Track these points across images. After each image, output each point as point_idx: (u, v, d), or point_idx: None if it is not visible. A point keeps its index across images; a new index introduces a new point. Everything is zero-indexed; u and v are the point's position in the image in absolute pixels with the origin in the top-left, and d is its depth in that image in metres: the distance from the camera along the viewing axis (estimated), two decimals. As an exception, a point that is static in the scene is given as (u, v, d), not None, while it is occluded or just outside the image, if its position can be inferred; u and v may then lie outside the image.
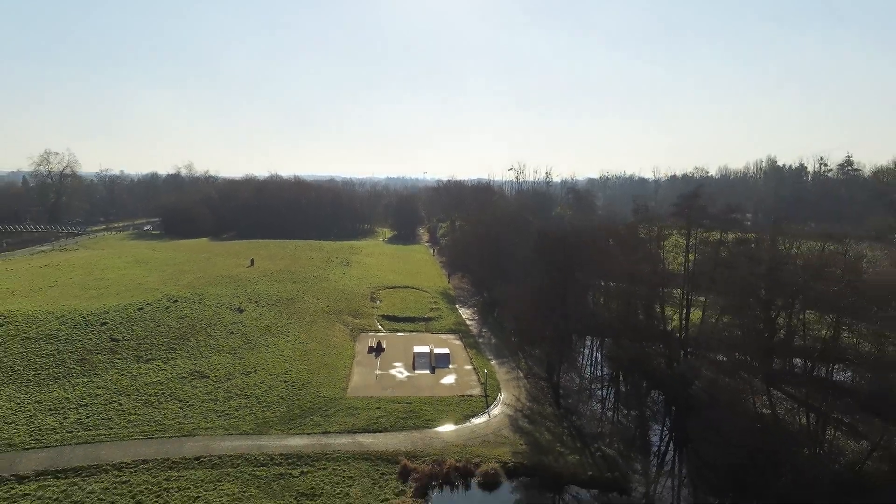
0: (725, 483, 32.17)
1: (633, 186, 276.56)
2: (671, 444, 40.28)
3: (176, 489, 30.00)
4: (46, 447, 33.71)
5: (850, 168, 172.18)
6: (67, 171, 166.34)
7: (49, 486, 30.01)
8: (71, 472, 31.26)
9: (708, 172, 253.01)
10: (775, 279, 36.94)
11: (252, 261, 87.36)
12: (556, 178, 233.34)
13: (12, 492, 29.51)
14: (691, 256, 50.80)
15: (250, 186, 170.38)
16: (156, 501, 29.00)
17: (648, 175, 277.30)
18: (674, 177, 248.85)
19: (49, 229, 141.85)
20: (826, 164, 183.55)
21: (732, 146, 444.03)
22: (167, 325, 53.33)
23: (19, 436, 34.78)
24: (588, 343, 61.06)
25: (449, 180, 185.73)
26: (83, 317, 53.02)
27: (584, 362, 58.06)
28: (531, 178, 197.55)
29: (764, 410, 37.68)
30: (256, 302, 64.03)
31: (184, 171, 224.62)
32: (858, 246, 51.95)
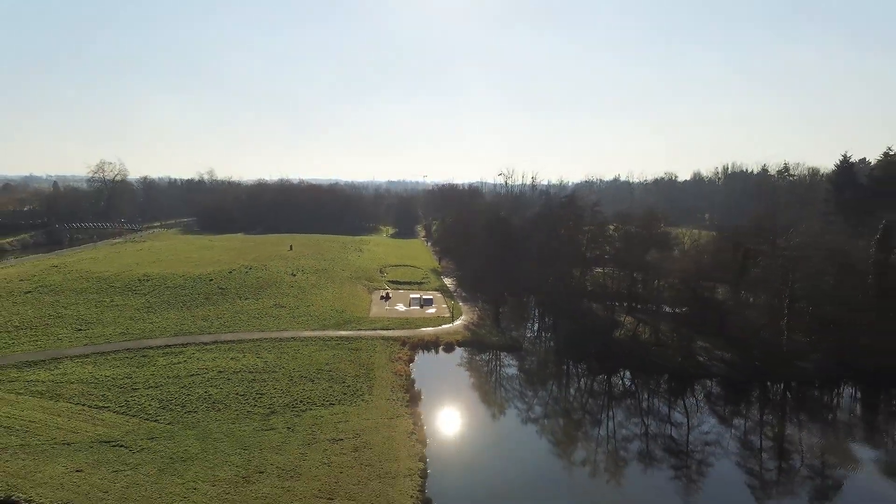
0: (568, 346, 61.18)
1: (616, 190, 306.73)
2: (552, 335, 69.35)
3: (286, 346, 58.44)
4: (209, 333, 62.06)
5: (786, 174, 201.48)
6: (119, 177, 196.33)
7: (220, 346, 58.42)
8: (228, 342, 59.60)
9: (677, 177, 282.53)
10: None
11: (291, 246, 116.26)
12: (545, 182, 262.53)
13: (202, 348, 57.81)
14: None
15: (274, 189, 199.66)
16: (278, 351, 57.29)
17: (626, 179, 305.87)
18: (646, 181, 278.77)
19: (114, 226, 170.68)
20: (768, 171, 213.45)
21: (724, 149, 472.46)
22: (250, 281, 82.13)
23: (191, 329, 63.19)
24: (530, 298, 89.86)
25: (443, 185, 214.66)
26: (196, 276, 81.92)
27: (525, 308, 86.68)
28: (520, 182, 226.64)
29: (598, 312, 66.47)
30: (302, 271, 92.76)
31: (206, 177, 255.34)
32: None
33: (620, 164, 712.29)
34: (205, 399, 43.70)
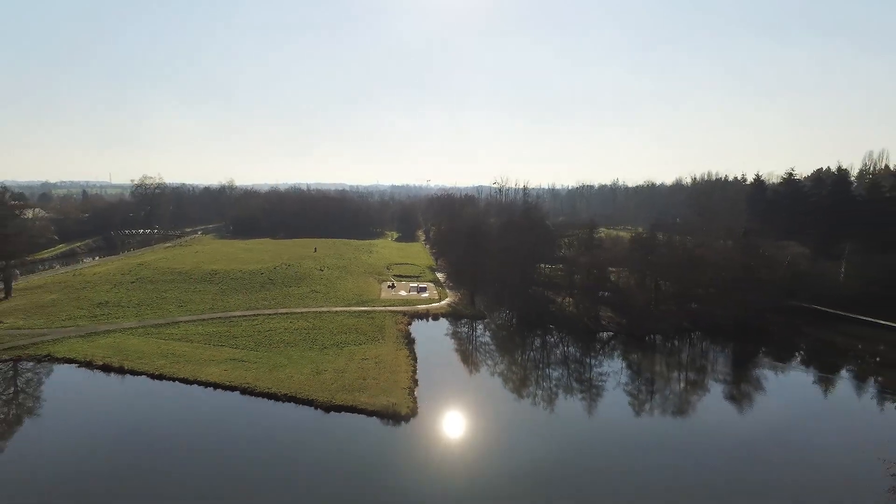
0: (517, 316, 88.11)
1: (603, 195, 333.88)
2: (509, 310, 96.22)
3: (324, 316, 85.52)
4: (269, 308, 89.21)
5: (744, 182, 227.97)
6: (158, 190, 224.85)
7: (279, 316, 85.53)
8: (284, 313, 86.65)
9: (656, 183, 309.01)
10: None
11: (315, 249, 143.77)
12: (542, 186, 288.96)
13: (268, 317, 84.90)
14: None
15: (293, 199, 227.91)
16: (318, 319, 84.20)
17: (610, 185, 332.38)
18: (627, 187, 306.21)
19: (158, 233, 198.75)
20: (738, 178, 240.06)
21: (722, 153, 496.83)
22: (290, 274, 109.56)
23: (256, 306, 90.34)
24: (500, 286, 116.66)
25: (440, 195, 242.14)
26: (250, 271, 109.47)
27: (494, 293, 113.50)
28: (513, 187, 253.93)
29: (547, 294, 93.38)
30: (327, 267, 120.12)
31: (226, 184, 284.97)
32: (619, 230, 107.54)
33: (619, 169, 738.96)
34: (281, 342, 70.91)
